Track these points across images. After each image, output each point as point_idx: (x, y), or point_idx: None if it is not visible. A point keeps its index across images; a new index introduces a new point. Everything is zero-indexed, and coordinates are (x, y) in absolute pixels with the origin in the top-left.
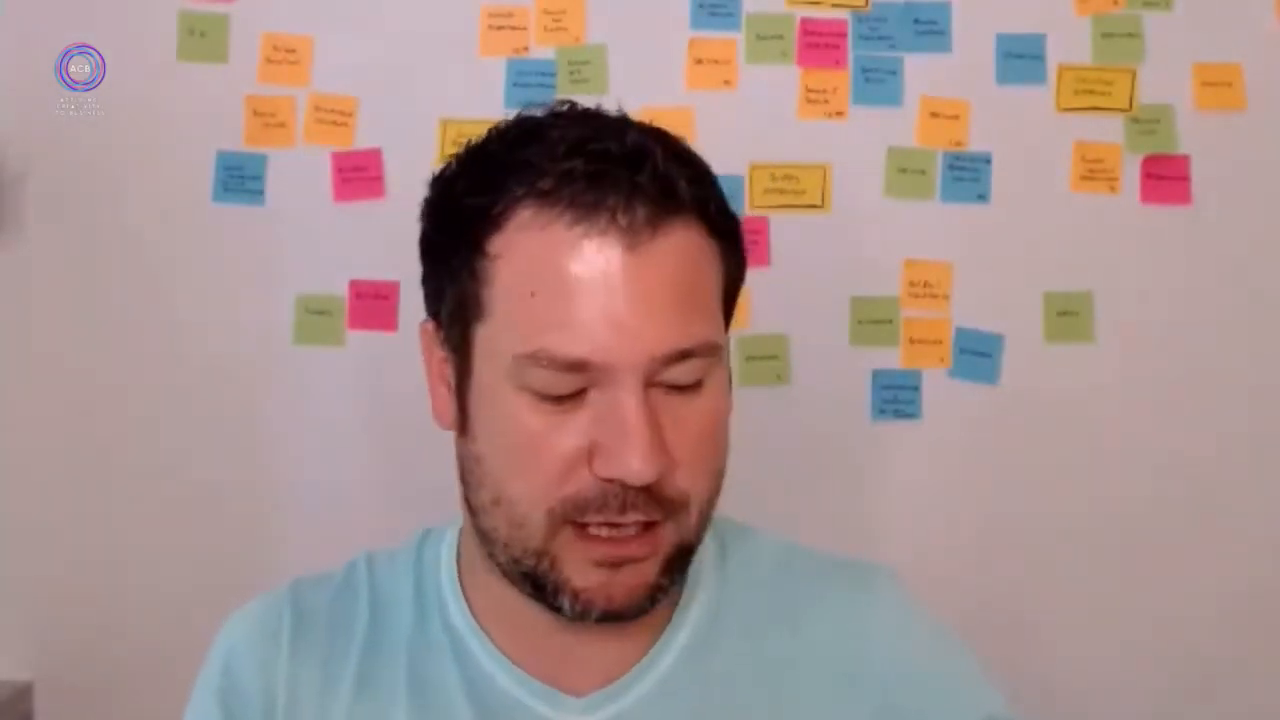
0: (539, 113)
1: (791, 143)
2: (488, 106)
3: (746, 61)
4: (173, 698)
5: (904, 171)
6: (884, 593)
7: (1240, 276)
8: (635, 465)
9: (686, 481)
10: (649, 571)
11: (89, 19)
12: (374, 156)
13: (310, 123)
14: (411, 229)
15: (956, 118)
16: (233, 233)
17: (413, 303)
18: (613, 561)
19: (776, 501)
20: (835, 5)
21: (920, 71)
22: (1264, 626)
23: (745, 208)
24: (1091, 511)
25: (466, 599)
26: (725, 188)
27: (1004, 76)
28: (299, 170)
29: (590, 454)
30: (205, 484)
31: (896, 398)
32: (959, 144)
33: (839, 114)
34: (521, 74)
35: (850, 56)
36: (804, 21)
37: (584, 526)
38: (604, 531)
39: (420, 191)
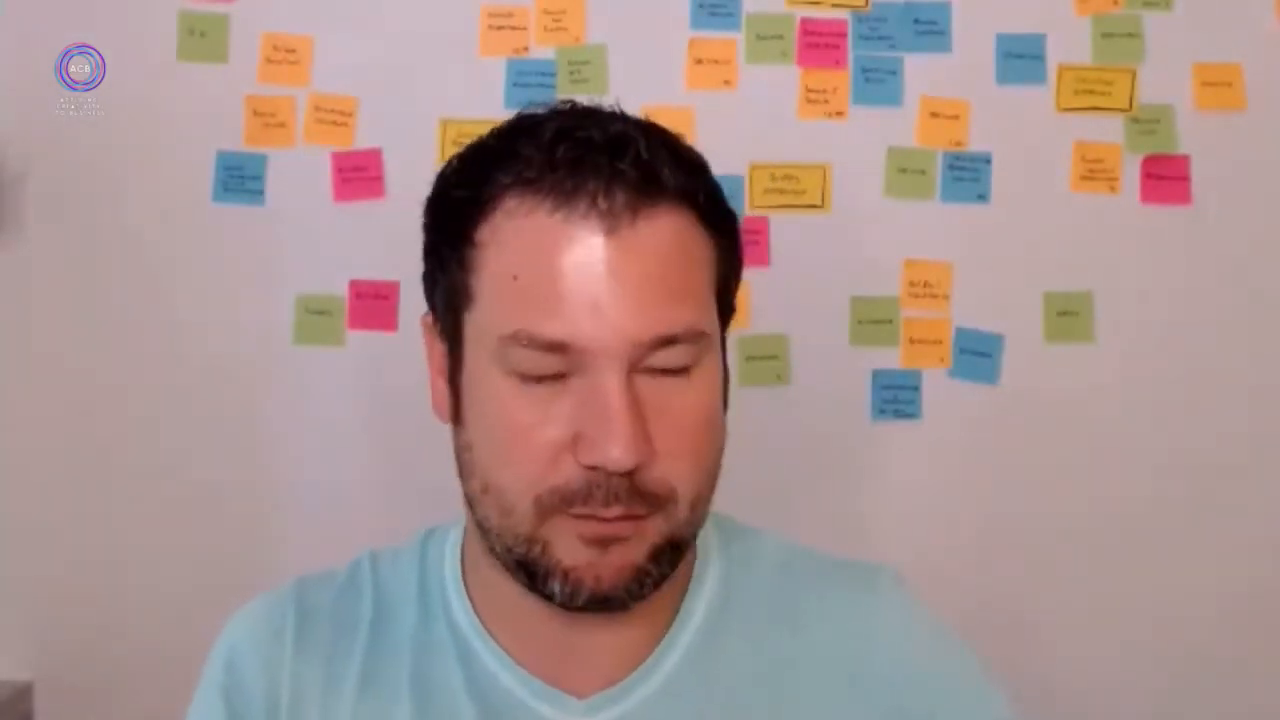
0: (540, 111)
1: (791, 143)
2: (488, 106)
3: (746, 61)
4: (173, 698)
5: (904, 171)
6: (886, 593)
7: (1240, 276)
8: (615, 453)
9: (670, 473)
10: (636, 554)
11: (89, 19)
12: (374, 156)
13: (310, 123)
14: (411, 229)
15: (956, 118)
16: (233, 233)
17: (413, 303)
18: (600, 539)
19: (776, 501)
20: (835, 5)
21: (920, 71)
22: (1264, 626)
23: (745, 208)
24: (1091, 511)
25: (470, 598)
26: (725, 188)
27: (1004, 76)
28: (299, 170)
29: (575, 443)
30: (205, 484)
31: (896, 398)
32: (959, 144)
33: (839, 114)
34: (521, 74)
35: (850, 56)
36: (804, 21)
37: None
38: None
39: (420, 191)
